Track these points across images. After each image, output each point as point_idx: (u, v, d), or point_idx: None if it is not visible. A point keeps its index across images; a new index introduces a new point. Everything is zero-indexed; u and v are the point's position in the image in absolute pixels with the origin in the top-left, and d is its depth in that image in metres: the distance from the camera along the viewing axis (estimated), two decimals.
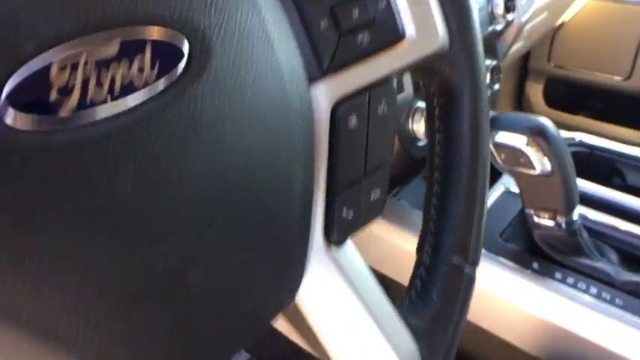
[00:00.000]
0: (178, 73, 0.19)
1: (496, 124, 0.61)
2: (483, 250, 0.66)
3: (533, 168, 0.60)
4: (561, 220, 0.63)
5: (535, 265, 0.63)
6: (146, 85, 0.18)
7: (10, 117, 0.16)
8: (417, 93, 0.67)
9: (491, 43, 0.90)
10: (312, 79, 0.25)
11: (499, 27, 0.81)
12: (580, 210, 0.64)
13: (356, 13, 0.26)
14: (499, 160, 0.62)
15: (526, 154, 0.60)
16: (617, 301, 0.58)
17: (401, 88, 0.65)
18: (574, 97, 1.42)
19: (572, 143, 0.84)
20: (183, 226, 0.20)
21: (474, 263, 0.34)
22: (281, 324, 0.30)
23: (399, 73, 0.30)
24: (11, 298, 0.17)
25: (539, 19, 1.02)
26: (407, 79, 0.66)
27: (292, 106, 0.23)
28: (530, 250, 0.66)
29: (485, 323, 0.65)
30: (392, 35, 0.28)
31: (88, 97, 0.17)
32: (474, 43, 0.32)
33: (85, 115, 0.17)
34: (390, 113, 0.29)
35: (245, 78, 0.21)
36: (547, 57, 1.36)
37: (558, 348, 0.60)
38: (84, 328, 0.18)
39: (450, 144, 0.34)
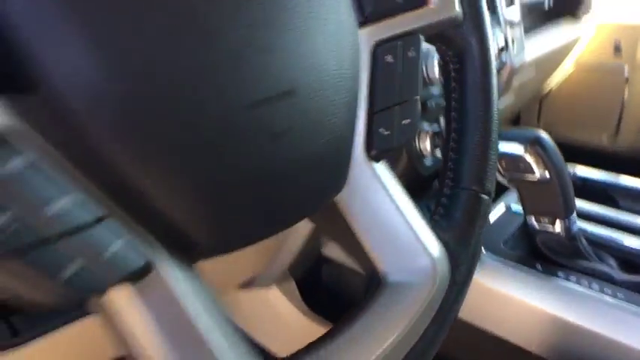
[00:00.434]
0: None
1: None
2: (489, 254, 0.70)
3: (533, 173, 0.66)
4: (561, 223, 0.67)
5: (538, 265, 0.67)
6: None
7: None
8: (423, 113, 0.74)
9: None
10: (359, 23, 0.32)
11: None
12: (579, 224, 0.69)
13: None
14: (501, 169, 0.68)
15: (525, 160, 0.66)
16: (620, 295, 0.62)
17: None
18: (564, 155, 1.51)
19: None
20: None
21: (489, 194, 0.39)
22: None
23: (424, 31, 0.37)
24: None
25: (528, 74, 1.12)
26: None
27: (345, 40, 0.30)
28: (533, 255, 0.70)
29: (489, 324, 0.67)
30: (420, 1, 0.36)
31: None
32: (482, 17, 0.40)
33: None
34: (416, 58, 0.36)
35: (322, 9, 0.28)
36: (536, 118, 1.47)
37: (565, 344, 0.62)
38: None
39: (465, 97, 0.40)
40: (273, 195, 0.27)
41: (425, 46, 0.37)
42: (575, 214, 0.68)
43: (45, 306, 0.20)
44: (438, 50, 0.40)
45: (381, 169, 0.34)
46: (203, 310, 0.24)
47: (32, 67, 0.20)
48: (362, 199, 0.33)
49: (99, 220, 0.21)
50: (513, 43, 0.91)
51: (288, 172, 0.27)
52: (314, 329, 0.89)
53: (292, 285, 0.92)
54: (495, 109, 0.39)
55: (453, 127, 0.40)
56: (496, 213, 0.79)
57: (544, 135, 0.66)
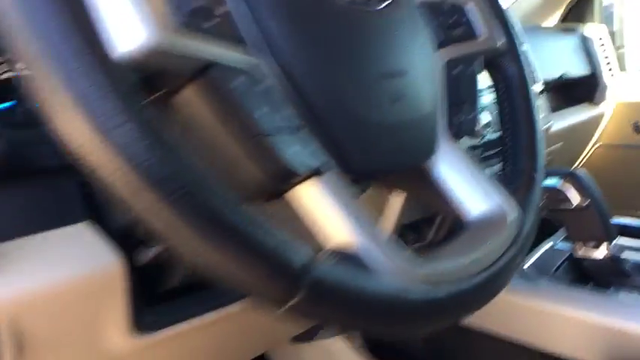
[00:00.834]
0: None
1: None
2: (543, 278, 0.77)
3: (570, 203, 0.75)
4: (605, 247, 0.75)
5: (590, 285, 0.74)
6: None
7: None
8: None
9: None
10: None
11: None
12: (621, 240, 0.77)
13: (455, 18, 0.48)
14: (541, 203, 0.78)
15: (562, 192, 0.76)
16: None
17: None
18: None
19: None
20: None
21: (539, 173, 0.49)
22: None
23: (477, 55, 0.51)
24: None
25: (554, 141, 1.24)
26: None
27: (430, 54, 0.44)
28: (583, 280, 0.77)
29: (550, 344, 0.72)
30: (472, 33, 0.50)
31: None
32: (518, 52, 0.54)
33: None
34: (474, 73, 0.49)
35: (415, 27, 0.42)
36: None
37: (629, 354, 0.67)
38: None
39: (514, 108, 0.52)
40: (391, 141, 0.39)
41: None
42: (617, 237, 0.76)
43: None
44: (490, 74, 0.54)
45: (459, 143, 0.46)
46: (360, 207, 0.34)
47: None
48: (448, 163, 0.44)
49: (299, 127, 0.33)
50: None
51: (401, 127, 0.39)
52: None
53: (357, 334, 0.98)
54: (536, 112, 0.52)
55: (507, 129, 0.52)
56: (542, 249, 0.87)
57: (578, 170, 0.77)
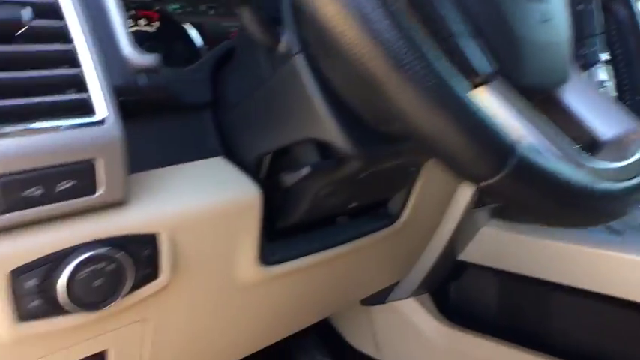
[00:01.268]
0: None
1: None
2: None
3: None
4: None
5: None
6: None
7: None
8: None
9: None
10: None
11: None
12: None
13: None
14: None
15: None
16: None
17: None
18: None
19: None
20: None
21: None
22: None
23: None
24: None
25: None
26: None
27: None
28: None
29: None
30: None
31: None
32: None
33: None
34: (593, 11, 0.52)
35: None
36: None
37: None
38: None
39: (627, 49, 0.54)
40: (539, 60, 0.41)
41: None
42: None
43: None
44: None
45: (587, 73, 0.48)
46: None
47: None
48: (578, 90, 0.46)
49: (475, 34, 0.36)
50: None
51: (547, 48, 0.42)
52: (455, 339, 0.95)
53: (426, 296, 1.00)
54: None
55: (620, 69, 0.54)
56: None
57: None
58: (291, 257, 0.58)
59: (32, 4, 0.37)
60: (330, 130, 0.44)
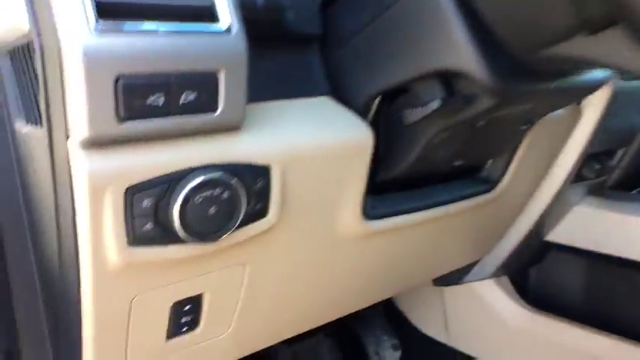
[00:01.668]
0: None
1: None
2: None
3: None
4: None
5: None
6: None
7: None
8: None
9: None
10: None
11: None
12: None
13: None
14: None
15: None
16: None
17: None
18: None
19: None
20: None
21: None
22: None
23: None
24: None
25: None
26: None
27: None
28: None
29: None
30: None
31: None
32: None
33: None
34: None
35: None
36: None
37: None
38: None
39: None
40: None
41: None
42: None
43: None
44: None
45: None
46: None
47: None
48: None
49: None
50: None
51: None
52: (539, 324, 0.89)
53: (505, 279, 0.94)
54: None
55: None
56: None
57: None
58: (392, 214, 0.54)
59: None
60: (469, 57, 0.39)
